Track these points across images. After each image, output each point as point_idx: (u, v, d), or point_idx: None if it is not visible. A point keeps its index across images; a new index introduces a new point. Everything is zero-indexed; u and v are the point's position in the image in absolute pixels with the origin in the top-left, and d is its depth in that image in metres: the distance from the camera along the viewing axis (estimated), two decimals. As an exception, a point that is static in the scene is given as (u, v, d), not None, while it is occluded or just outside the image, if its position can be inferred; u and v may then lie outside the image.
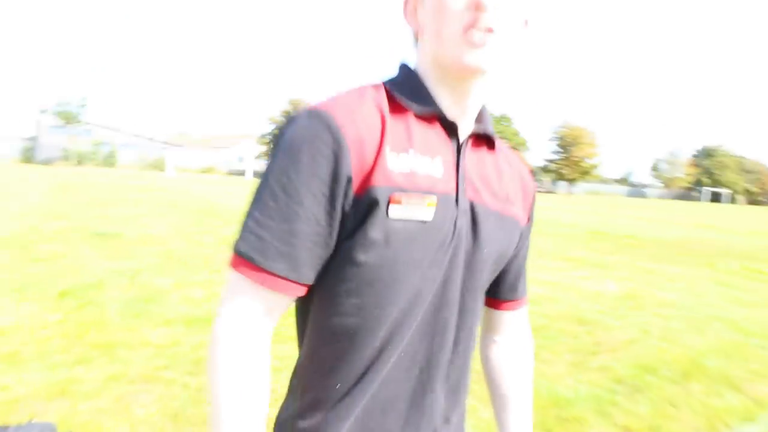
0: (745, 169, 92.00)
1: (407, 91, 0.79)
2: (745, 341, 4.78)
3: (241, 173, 52.19)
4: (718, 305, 6.22)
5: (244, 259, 0.70)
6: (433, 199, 0.74)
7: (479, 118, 0.85)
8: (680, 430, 2.98)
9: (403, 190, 0.72)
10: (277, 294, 0.72)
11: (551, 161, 72.01)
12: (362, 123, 0.72)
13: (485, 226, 0.81)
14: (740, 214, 38.49)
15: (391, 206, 0.71)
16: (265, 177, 0.73)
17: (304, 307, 0.82)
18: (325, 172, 0.70)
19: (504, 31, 0.75)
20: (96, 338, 3.86)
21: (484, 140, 0.86)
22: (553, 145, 72.23)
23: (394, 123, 0.75)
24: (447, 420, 0.86)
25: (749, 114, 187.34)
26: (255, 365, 0.71)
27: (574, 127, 71.07)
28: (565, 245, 11.03)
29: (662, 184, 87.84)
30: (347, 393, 0.77)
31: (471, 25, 0.73)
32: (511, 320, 1.00)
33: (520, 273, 0.98)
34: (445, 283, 0.78)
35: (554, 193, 68.15)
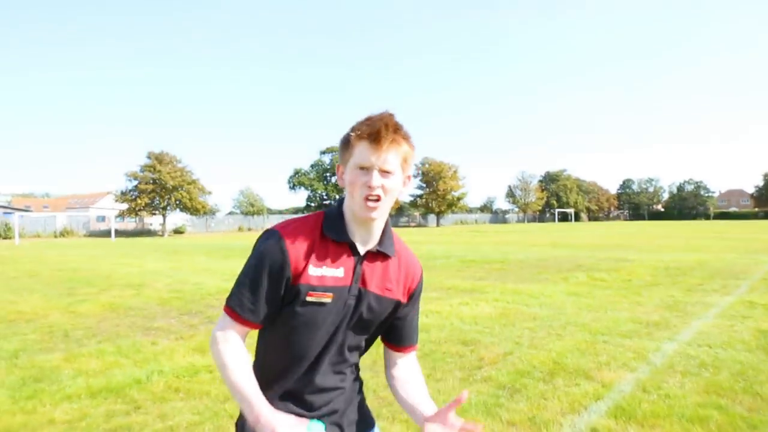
0: (584, 190, 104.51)
1: (331, 226, 1.42)
2: (594, 339, 5.78)
3: (103, 234, 48.21)
4: (572, 312, 7.34)
5: (231, 308, 1.39)
6: (330, 293, 1.38)
7: (380, 241, 1.45)
8: (551, 415, 3.66)
9: (314, 288, 1.36)
10: (244, 327, 1.41)
11: (418, 196, 75.79)
12: (300, 247, 1.37)
13: (366, 302, 1.42)
14: (584, 229, 43.71)
15: (307, 296, 1.37)
16: (245, 266, 1.41)
17: (261, 332, 1.49)
18: (276, 272, 1.36)
19: (387, 195, 1.36)
20: (-9, 426, 3.68)
21: (380, 254, 1.46)
22: (417, 181, 76.24)
23: (319, 247, 1.39)
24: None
25: (582, 141, 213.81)
26: (236, 347, 1.38)
27: (435, 163, 75.77)
28: (442, 275, 12.00)
29: (518, 209, 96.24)
30: (277, 378, 1.43)
31: (366, 198, 1.34)
32: (403, 359, 1.58)
33: (407, 331, 1.55)
34: (336, 332, 1.42)
35: (425, 226, 71.64)
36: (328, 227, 1.40)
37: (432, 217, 76.82)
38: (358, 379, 1.57)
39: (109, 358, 5.35)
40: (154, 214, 50.57)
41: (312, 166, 75.39)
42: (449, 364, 4.95)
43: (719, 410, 3.67)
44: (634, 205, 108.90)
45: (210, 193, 50.97)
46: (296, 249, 1.36)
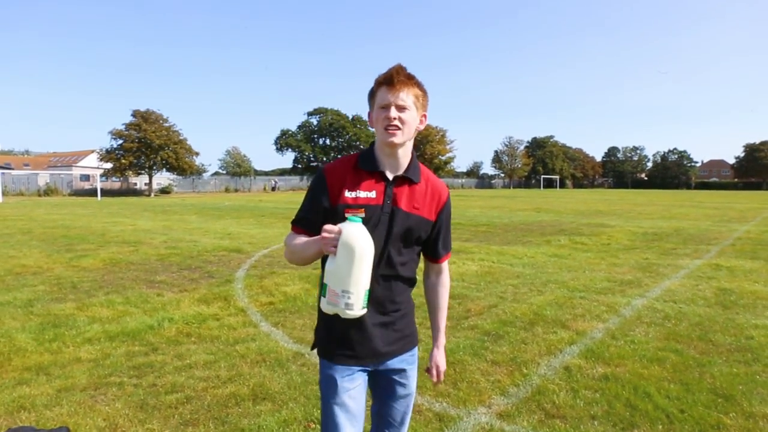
0: (570, 157, 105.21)
1: (365, 159, 1.74)
2: (572, 295, 6.26)
3: (88, 193, 47.84)
4: (553, 272, 7.83)
5: (292, 223, 1.79)
6: (363, 209, 1.66)
7: (407, 169, 1.76)
8: (530, 356, 4.12)
9: (349, 206, 1.67)
10: (300, 234, 1.75)
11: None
12: (337, 176, 1.72)
13: (398, 218, 1.71)
14: (568, 196, 44.50)
15: (345, 213, 1.64)
16: (307, 192, 1.80)
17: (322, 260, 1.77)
18: (318, 194, 1.74)
19: (405, 126, 1.67)
20: (22, 363, 4.02)
21: (407, 180, 1.76)
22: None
23: (353, 175, 1.72)
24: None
25: (569, 108, 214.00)
26: (293, 237, 1.77)
27: (422, 127, 75.65)
28: (430, 237, 12.42)
29: (504, 175, 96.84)
30: None
31: (386, 128, 1.66)
32: (437, 268, 1.93)
33: (438, 244, 1.87)
34: (381, 245, 1.69)
35: (413, 190, 71.86)
36: (362, 160, 1.75)
37: (419, 182, 77.09)
38: (410, 300, 1.86)
39: (119, 307, 5.70)
40: (140, 173, 50.14)
41: (299, 127, 74.82)
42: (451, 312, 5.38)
43: (675, 353, 4.17)
44: (619, 173, 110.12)
45: (197, 153, 50.52)
46: (334, 177, 1.72)
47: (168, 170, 50.04)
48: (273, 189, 61.16)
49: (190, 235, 12.88)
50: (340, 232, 1.53)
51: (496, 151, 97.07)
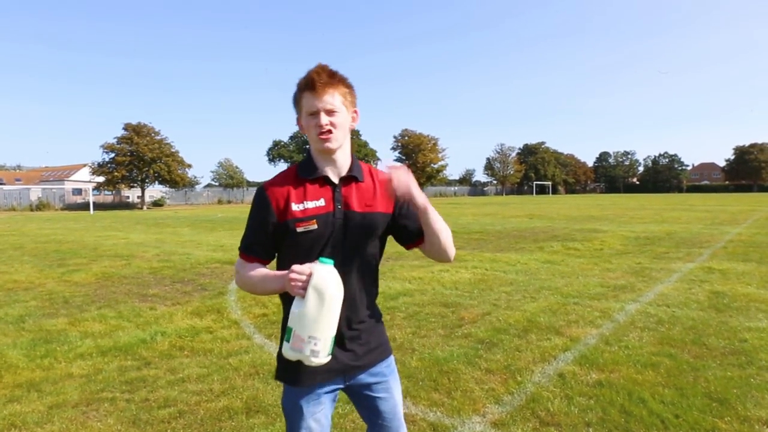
0: (562, 163, 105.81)
1: (304, 168, 1.67)
2: (565, 301, 6.27)
3: (80, 207, 47.54)
4: (546, 278, 7.84)
5: (240, 250, 1.69)
6: (313, 220, 1.59)
7: (350, 169, 1.67)
8: (524, 364, 4.12)
9: (299, 219, 1.59)
10: (253, 263, 1.67)
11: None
12: (279, 191, 1.63)
13: (354, 220, 1.63)
14: (561, 201, 44.70)
15: (296, 227, 1.59)
16: (247, 219, 1.71)
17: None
18: (262, 215, 1.63)
19: (338, 129, 1.59)
20: (13, 380, 3.98)
21: (353, 179, 1.69)
22: (396, 154, 76.10)
23: (297, 187, 1.63)
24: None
25: (560, 114, 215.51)
26: (251, 268, 1.66)
27: (414, 135, 75.65)
28: (424, 245, 12.43)
29: (497, 182, 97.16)
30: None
31: (318, 135, 1.59)
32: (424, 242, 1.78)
33: (414, 227, 1.74)
34: (337, 252, 1.61)
35: (407, 198, 71.84)
36: (301, 169, 1.67)
37: (413, 190, 77.06)
38: (376, 309, 1.77)
39: (111, 321, 5.66)
40: (133, 186, 49.99)
41: (291, 138, 74.80)
42: (432, 323, 5.38)
43: (669, 358, 4.17)
44: (611, 178, 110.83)
45: (190, 165, 50.45)
46: (275, 193, 1.62)
47: (160, 183, 49.95)
48: None
49: (183, 247, 12.83)
50: (310, 275, 1.44)
51: (488, 158, 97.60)
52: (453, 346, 4.57)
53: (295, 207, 1.60)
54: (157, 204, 51.77)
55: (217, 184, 69.20)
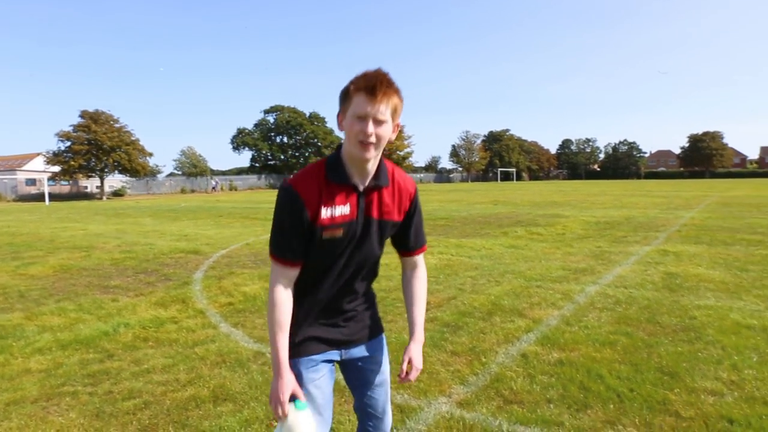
0: (525, 150, 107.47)
1: (334, 171, 1.66)
2: (528, 284, 6.43)
3: (35, 198, 45.74)
4: (510, 262, 8.01)
5: (274, 255, 1.67)
6: (341, 228, 1.65)
7: (376, 176, 1.72)
8: (488, 346, 4.22)
9: (327, 227, 1.63)
10: (288, 268, 1.68)
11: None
12: (311, 193, 1.62)
13: (372, 228, 1.72)
14: (524, 188, 45.51)
15: (323, 235, 1.64)
16: (274, 220, 1.67)
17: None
18: (297, 216, 1.61)
19: (380, 141, 1.59)
20: (-33, 377, 3.86)
21: (377, 187, 1.73)
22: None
23: (326, 190, 1.64)
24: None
25: (524, 102, 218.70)
26: (284, 292, 1.68)
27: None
28: (391, 232, 12.51)
29: (462, 169, 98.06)
30: (312, 303, 1.76)
31: (361, 143, 1.58)
32: (411, 261, 1.93)
33: (409, 238, 1.88)
34: (347, 256, 1.71)
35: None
36: (331, 173, 1.65)
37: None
38: (372, 290, 1.94)
39: (71, 314, 5.51)
40: (91, 176, 48.33)
41: (256, 125, 73.70)
42: (398, 308, 5.44)
43: (626, 336, 4.35)
44: (573, 164, 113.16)
45: (151, 154, 49.05)
46: (307, 195, 1.61)
47: (120, 172, 48.38)
48: (213, 189, 57.67)
49: (146, 237, 12.54)
50: (285, 415, 1.61)
51: (453, 146, 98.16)
52: (419, 331, 4.64)
53: (324, 213, 1.62)
54: (118, 194, 50.25)
55: (179, 173, 67.57)
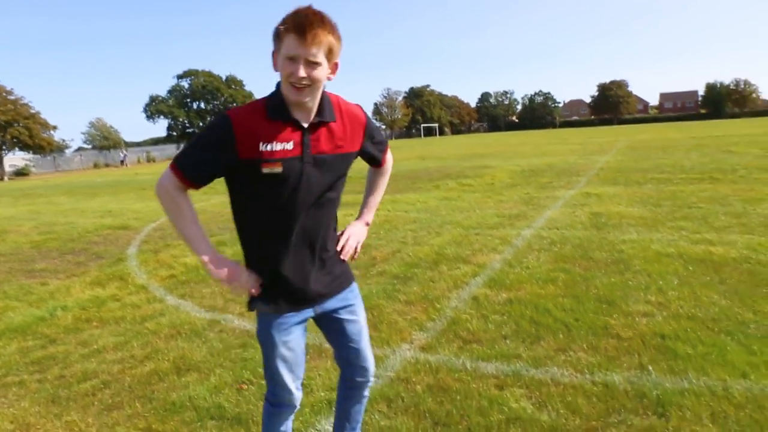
0: (446, 105, 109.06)
1: (275, 108, 1.59)
2: (467, 233, 6.69)
3: None
4: (446, 214, 8.26)
5: (178, 168, 1.59)
6: (279, 163, 1.57)
7: (319, 111, 1.62)
8: (440, 292, 4.40)
9: (266, 160, 1.56)
10: (186, 186, 1.62)
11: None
12: (247, 128, 1.55)
13: (324, 164, 1.64)
14: (448, 142, 46.43)
15: (262, 168, 1.56)
16: (195, 137, 1.62)
17: (240, 218, 1.74)
18: (222, 147, 1.55)
19: (314, 83, 1.52)
20: None
21: (323, 122, 1.67)
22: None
23: (266, 126, 1.57)
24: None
25: (442, 56, 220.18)
26: (185, 200, 1.65)
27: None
28: (326, 193, 12.46)
29: (385, 126, 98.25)
30: (267, 251, 1.72)
31: (293, 85, 1.52)
32: (378, 166, 1.99)
33: (374, 155, 1.89)
34: (299, 196, 1.63)
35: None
36: (272, 110, 1.58)
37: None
38: (336, 239, 1.87)
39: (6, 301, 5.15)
40: (-15, 155, 44.10)
41: (170, 92, 69.53)
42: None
43: (564, 272, 4.68)
44: (492, 117, 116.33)
45: (55, 128, 45.27)
46: (242, 128, 1.54)
47: (21, 149, 44.43)
48: (122, 163, 53.13)
49: (65, 217, 11.75)
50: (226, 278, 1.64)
51: (375, 104, 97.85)
52: (371, 284, 4.75)
53: (263, 147, 1.55)
54: (21, 173, 46.15)
55: (90, 147, 62.96)
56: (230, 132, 1.53)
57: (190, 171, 1.60)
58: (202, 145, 1.60)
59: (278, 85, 1.61)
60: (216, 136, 1.57)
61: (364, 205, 2.03)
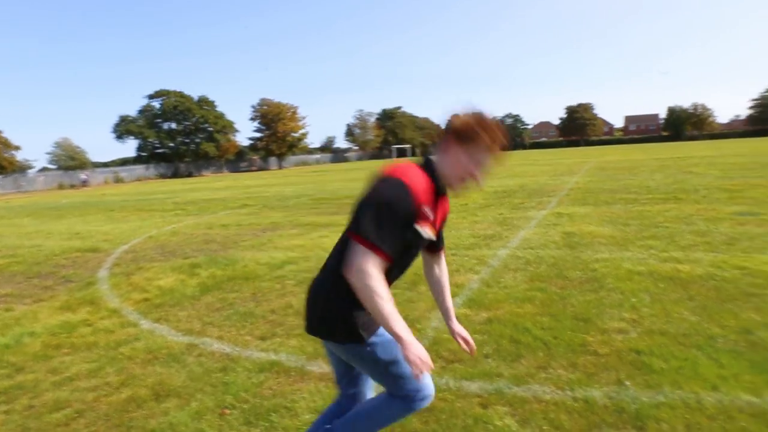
0: (419, 126, 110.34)
1: (440, 182, 1.79)
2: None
3: None
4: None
5: (375, 245, 1.62)
6: (433, 233, 1.85)
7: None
8: (420, 313, 4.42)
9: (427, 230, 1.80)
10: (383, 261, 1.66)
11: (258, 139, 73.30)
12: (422, 198, 1.72)
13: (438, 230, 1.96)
14: (422, 164, 46.61)
15: (422, 235, 1.78)
16: (380, 209, 1.67)
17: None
18: (409, 217, 1.69)
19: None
20: None
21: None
22: (256, 124, 73.75)
23: (431, 196, 1.76)
24: None
25: (414, 79, 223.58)
26: (383, 281, 1.65)
27: (273, 104, 73.42)
28: (297, 213, 12.43)
29: (358, 147, 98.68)
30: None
31: (468, 183, 1.80)
32: (438, 257, 2.17)
33: (441, 238, 2.10)
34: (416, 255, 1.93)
35: (267, 169, 70.10)
36: (438, 183, 1.80)
37: (273, 160, 74.93)
38: None
39: (-39, 329, 4.94)
40: (-56, 177, 42.60)
41: (140, 112, 68.56)
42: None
43: (541, 291, 4.76)
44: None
45: (18, 147, 44.15)
46: (420, 199, 1.71)
47: (-20, 170, 43.10)
48: (83, 184, 50.80)
49: (29, 239, 11.40)
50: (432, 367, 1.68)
51: (348, 125, 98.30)
52: (351, 306, 4.73)
53: (431, 215, 1.78)
54: (-21, 195, 44.71)
55: (55, 167, 61.31)
56: (413, 202, 1.70)
57: (390, 249, 1.67)
58: (396, 219, 1.68)
59: (430, 160, 1.83)
60: (404, 206, 1.69)
61: (448, 307, 2.29)
